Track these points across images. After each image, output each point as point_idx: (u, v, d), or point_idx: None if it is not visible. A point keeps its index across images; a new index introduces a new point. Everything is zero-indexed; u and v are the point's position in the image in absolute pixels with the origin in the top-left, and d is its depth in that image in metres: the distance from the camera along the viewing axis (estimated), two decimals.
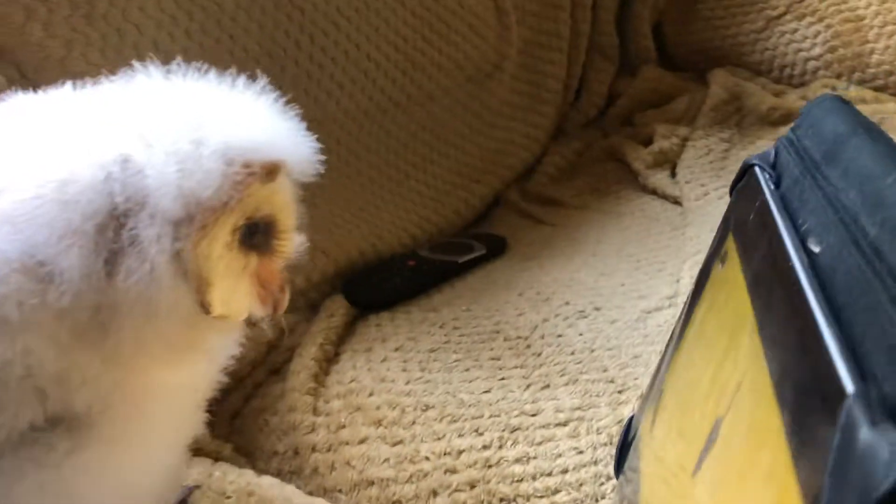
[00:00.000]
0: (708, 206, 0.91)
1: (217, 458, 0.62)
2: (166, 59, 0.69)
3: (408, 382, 0.66)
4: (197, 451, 0.63)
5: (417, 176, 0.95)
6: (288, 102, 0.75)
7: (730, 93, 1.11)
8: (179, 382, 0.41)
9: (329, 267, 0.79)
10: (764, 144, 1.01)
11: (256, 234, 0.38)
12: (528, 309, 0.76)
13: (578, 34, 1.15)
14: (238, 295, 0.38)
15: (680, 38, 1.23)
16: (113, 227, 0.34)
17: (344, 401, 0.65)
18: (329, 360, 0.71)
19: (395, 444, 0.61)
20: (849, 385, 0.22)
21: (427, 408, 0.63)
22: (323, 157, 0.81)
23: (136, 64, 0.39)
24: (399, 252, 0.87)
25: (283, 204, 0.40)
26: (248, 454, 0.66)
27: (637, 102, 1.17)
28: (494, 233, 0.95)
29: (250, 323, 0.72)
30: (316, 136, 0.83)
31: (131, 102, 0.38)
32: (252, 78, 0.40)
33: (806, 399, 0.26)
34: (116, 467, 0.39)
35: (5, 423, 0.35)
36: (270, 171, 0.38)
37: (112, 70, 0.67)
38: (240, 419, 0.70)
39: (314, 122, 0.80)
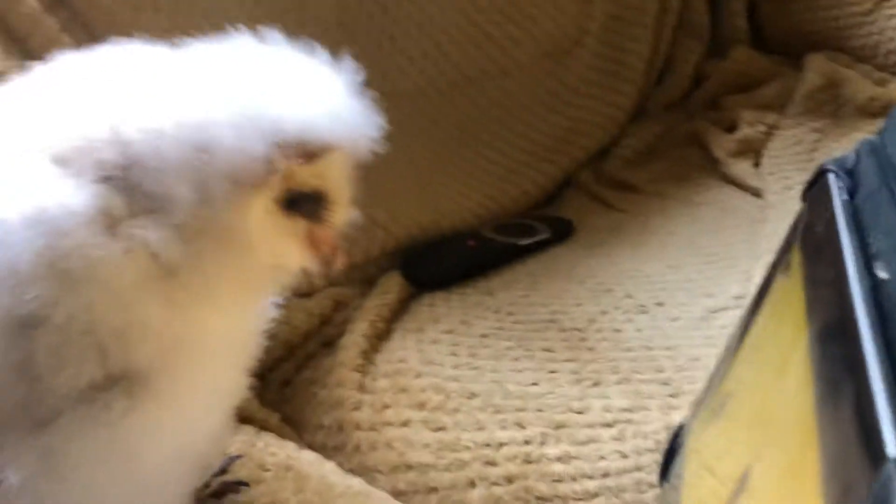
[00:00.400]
0: (790, 201, 0.85)
1: (264, 427, 0.63)
2: (235, 26, 0.69)
3: (455, 367, 0.65)
4: (245, 418, 0.63)
5: (486, 153, 0.93)
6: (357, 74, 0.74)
7: (827, 79, 1.04)
8: (230, 340, 0.42)
9: (389, 242, 0.78)
10: (859, 138, 0.95)
11: (303, 204, 0.39)
12: (588, 299, 0.74)
13: (666, 10, 1.10)
14: (286, 251, 0.40)
15: (777, 18, 1.16)
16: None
17: (390, 380, 0.65)
18: (380, 337, 0.71)
19: (436, 430, 0.60)
20: (892, 448, 0.20)
21: (472, 395, 0.62)
22: (389, 131, 0.80)
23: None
24: (461, 231, 0.85)
25: (334, 180, 0.40)
26: (295, 425, 0.66)
27: (725, 86, 1.11)
28: (562, 216, 0.93)
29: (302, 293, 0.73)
30: (383, 108, 0.82)
31: (214, 65, 0.39)
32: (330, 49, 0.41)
33: (847, 448, 0.23)
34: (170, 428, 0.40)
35: (66, 381, 0.36)
36: (310, 154, 0.38)
37: (178, 35, 0.67)
38: (290, 389, 0.71)
39: (382, 94, 0.79)
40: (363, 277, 0.78)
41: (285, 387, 0.71)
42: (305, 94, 0.39)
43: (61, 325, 0.35)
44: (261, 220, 0.38)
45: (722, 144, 1.00)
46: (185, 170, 0.36)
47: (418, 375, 0.64)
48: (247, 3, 0.71)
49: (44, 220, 0.34)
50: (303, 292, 0.74)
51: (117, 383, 0.37)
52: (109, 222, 0.35)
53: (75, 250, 0.34)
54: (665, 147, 1.07)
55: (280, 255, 0.40)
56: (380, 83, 0.77)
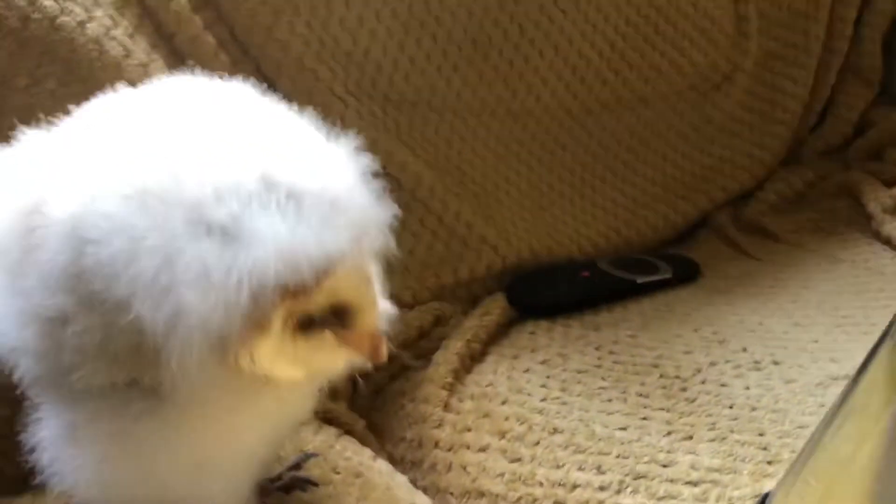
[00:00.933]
0: None
1: (348, 431, 0.63)
2: (371, 36, 0.70)
3: (543, 399, 0.63)
4: (330, 419, 0.64)
5: (615, 183, 0.90)
6: (487, 92, 0.73)
7: None
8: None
9: (496, 262, 0.77)
10: None
11: (324, 321, 0.36)
12: (698, 348, 0.69)
13: (832, 51, 1.03)
14: (318, 364, 0.38)
15: None
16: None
17: (476, 403, 0.64)
18: (473, 358, 0.70)
19: (513, 461, 0.58)
20: None
21: (555, 431, 0.59)
22: (510, 149, 0.78)
23: None
24: (576, 260, 0.83)
25: (348, 292, 0.36)
26: (379, 434, 0.66)
27: (891, 136, 1.02)
28: (688, 256, 0.88)
29: (404, 304, 0.72)
30: (508, 125, 0.81)
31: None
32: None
33: None
34: (188, 439, 0.40)
35: (85, 378, 0.38)
36: (303, 288, 0.33)
37: (315, 41, 0.69)
38: (380, 397, 0.71)
39: (509, 114, 0.78)
40: (467, 295, 0.77)
41: (376, 395, 0.72)
42: (283, 221, 0.33)
43: (80, 333, 0.36)
44: (272, 357, 0.35)
45: (879, 199, 0.92)
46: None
47: (504, 402, 0.63)
48: (382, 14, 0.72)
49: (76, 233, 0.35)
50: (405, 303, 0.74)
51: (137, 384, 0.38)
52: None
53: (95, 266, 0.34)
54: (814, 196, 0.99)
55: (313, 369, 0.38)
56: (508, 101, 0.77)
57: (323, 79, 0.70)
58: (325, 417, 0.65)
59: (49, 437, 0.42)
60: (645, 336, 0.72)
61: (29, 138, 0.40)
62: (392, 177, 0.73)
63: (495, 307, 0.74)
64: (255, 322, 0.33)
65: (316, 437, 0.60)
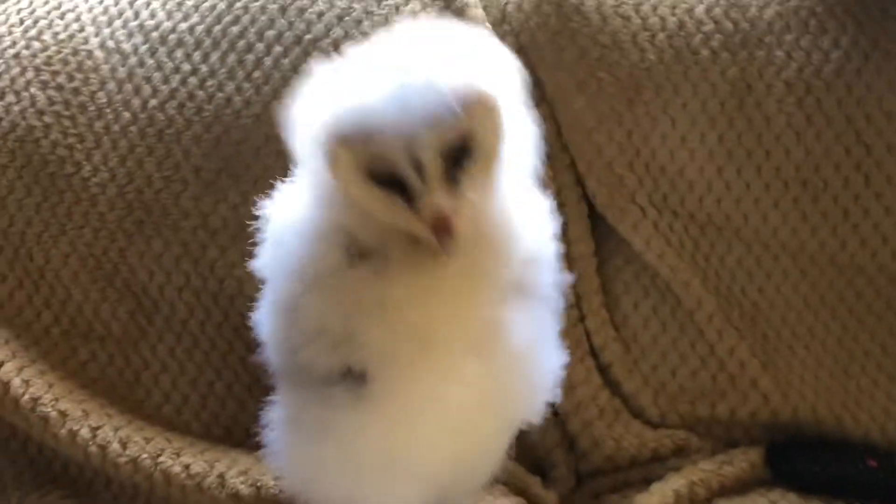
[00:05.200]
0: None
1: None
2: (690, 156, 0.71)
3: None
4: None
5: None
6: (809, 236, 0.69)
7: None
8: (447, 355, 0.46)
9: (763, 412, 0.72)
10: None
11: (388, 182, 0.43)
12: None
13: None
14: (381, 213, 0.44)
15: None
16: None
17: None
18: (694, 503, 0.66)
19: None
20: None
21: None
22: (808, 299, 0.72)
23: None
24: (870, 443, 0.72)
25: (401, 168, 0.42)
26: None
27: None
28: None
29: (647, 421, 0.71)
30: (828, 277, 0.75)
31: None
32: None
33: None
34: (382, 434, 0.47)
35: (307, 360, 0.47)
36: (354, 140, 0.42)
37: (630, 151, 0.72)
38: (596, 502, 0.72)
39: (832, 264, 0.73)
40: (723, 435, 0.73)
41: (592, 499, 0.72)
42: (366, 86, 0.42)
43: (304, 318, 0.46)
44: (351, 183, 0.44)
45: None
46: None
47: None
48: (708, 138, 0.72)
49: (299, 227, 0.46)
50: (650, 421, 0.73)
51: (345, 380, 0.46)
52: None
53: (312, 260, 0.45)
54: None
55: (384, 216, 0.44)
56: (834, 251, 0.71)
57: (628, 185, 0.73)
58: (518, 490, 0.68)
59: (274, 418, 0.53)
60: None
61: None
62: (672, 293, 0.73)
63: (743, 460, 0.70)
64: (329, 150, 0.43)
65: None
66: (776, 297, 0.73)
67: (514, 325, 0.47)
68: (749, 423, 0.72)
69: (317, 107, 0.45)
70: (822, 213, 0.72)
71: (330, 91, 0.45)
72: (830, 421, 0.72)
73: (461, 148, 0.43)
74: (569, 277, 0.52)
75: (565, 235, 0.59)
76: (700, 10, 0.73)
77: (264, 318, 0.52)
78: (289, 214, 0.49)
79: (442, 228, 0.43)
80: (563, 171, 0.73)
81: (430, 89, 0.42)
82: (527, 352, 0.49)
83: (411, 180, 0.43)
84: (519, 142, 0.47)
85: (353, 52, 0.46)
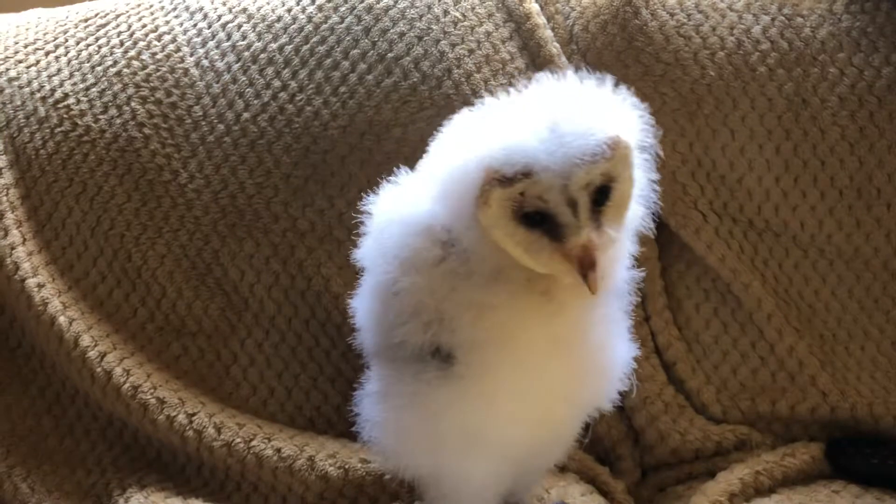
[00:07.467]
0: None
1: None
2: (749, 166, 0.75)
3: None
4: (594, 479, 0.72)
5: None
6: (863, 241, 0.73)
7: None
8: (535, 338, 0.50)
9: (822, 409, 0.74)
10: None
11: (538, 222, 0.46)
12: None
13: None
14: (524, 255, 0.47)
15: None
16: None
17: None
18: (758, 491, 0.70)
19: None
20: None
21: None
22: (881, 305, 0.75)
23: None
24: None
25: (553, 205, 0.45)
26: None
27: None
28: None
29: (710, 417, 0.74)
30: (882, 281, 0.78)
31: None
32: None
33: None
34: (467, 408, 0.51)
35: (402, 337, 0.51)
36: (505, 178, 0.45)
37: (692, 161, 0.76)
38: (660, 495, 0.75)
39: (886, 268, 0.78)
40: (783, 431, 0.76)
41: (658, 491, 0.75)
42: (519, 130, 0.46)
43: (403, 300, 0.50)
44: (496, 225, 0.47)
45: None
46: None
47: None
48: (766, 148, 0.76)
49: (404, 221, 0.50)
50: (713, 416, 0.76)
51: (434, 358, 0.50)
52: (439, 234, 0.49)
53: (414, 250, 0.49)
54: None
55: (530, 258, 0.47)
56: (888, 256, 0.77)
57: (690, 194, 0.77)
58: (589, 477, 0.71)
59: (368, 393, 0.57)
60: None
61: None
62: (732, 295, 0.77)
63: (804, 453, 0.72)
64: (482, 188, 0.46)
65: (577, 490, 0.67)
66: (831, 300, 0.76)
67: (593, 323, 0.52)
68: (808, 419, 0.75)
69: (468, 147, 0.48)
70: (875, 220, 0.76)
71: (481, 133, 0.48)
72: (888, 418, 0.75)
73: (600, 189, 0.46)
74: (639, 274, 0.55)
75: None
76: (757, 30, 0.78)
77: (362, 303, 0.56)
78: (394, 210, 0.53)
79: (588, 263, 0.46)
80: None
81: (584, 131, 0.45)
82: (603, 345, 0.53)
83: (565, 217, 0.46)
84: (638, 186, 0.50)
85: (494, 102, 0.51)
